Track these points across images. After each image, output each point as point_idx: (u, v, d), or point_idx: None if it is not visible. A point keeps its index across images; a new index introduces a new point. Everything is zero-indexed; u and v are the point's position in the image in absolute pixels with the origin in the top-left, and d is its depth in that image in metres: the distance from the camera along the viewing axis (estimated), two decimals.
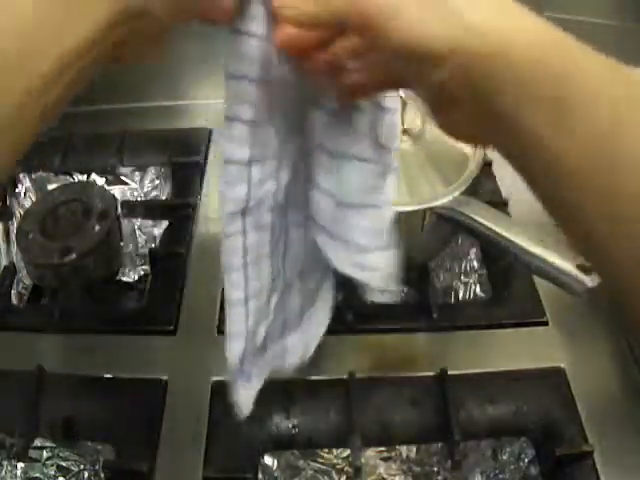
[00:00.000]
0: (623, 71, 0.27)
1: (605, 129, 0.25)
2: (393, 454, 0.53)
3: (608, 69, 0.26)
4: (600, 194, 0.26)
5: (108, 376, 0.53)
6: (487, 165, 0.68)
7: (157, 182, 0.75)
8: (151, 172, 0.75)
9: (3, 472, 0.51)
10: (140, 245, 0.70)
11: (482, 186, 0.64)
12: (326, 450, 0.52)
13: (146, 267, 0.66)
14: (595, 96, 0.25)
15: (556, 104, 0.25)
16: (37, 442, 0.51)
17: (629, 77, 0.27)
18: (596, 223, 0.26)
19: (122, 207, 0.67)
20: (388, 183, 0.39)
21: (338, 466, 0.52)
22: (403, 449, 0.52)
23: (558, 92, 0.25)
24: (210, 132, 0.78)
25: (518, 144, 0.27)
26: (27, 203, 0.71)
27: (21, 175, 0.74)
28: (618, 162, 0.25)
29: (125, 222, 0.67)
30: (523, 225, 0.50)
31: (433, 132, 0.57)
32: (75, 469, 0.52)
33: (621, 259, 0.26)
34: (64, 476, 0.51)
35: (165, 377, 0.53)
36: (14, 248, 0.64)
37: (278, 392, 0.52)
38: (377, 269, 0.40)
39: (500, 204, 0.64)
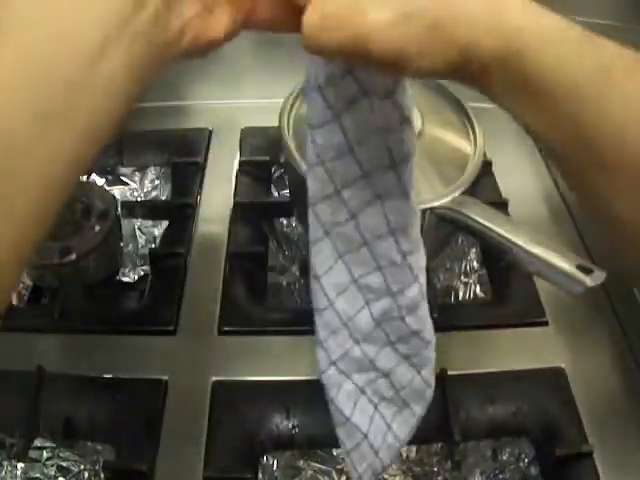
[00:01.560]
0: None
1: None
2: None
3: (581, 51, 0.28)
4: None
5: (108, 376, 0.53)
6: (487, 165, 0.68)
7: (157, 182, 0.75)
8: (151, 172, 0.75)
9: (3, 472, 0.51)
10: (140, 245, 0.70)
11: (482, 186, 0.64)
12: (326, 450, 0.52)
13: (146, 267, 0.66)
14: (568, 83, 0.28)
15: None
16: (37, 442, 0.51)
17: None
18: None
19: (122, 207, 0.67)
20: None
21: (338, 466, 0.52)
22: (403, 449, 0.52)
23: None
24: (210, 132, 0.78)
25: None
26: None
27: None
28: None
29: (125, 222, 0.67)
30: (523, 225, 0.50)
31: (433, 132, 0.57)
32: (75, 469, 0.52)
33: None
34: (64, 476, 0.51)
35: (165, 377, 0.53)
36: None
37: (278, 392, 0.53)
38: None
39: (500, 204, 0.64)
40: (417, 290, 0.39)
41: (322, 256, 0.37)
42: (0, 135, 0.23)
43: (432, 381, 0.43)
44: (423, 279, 0.39)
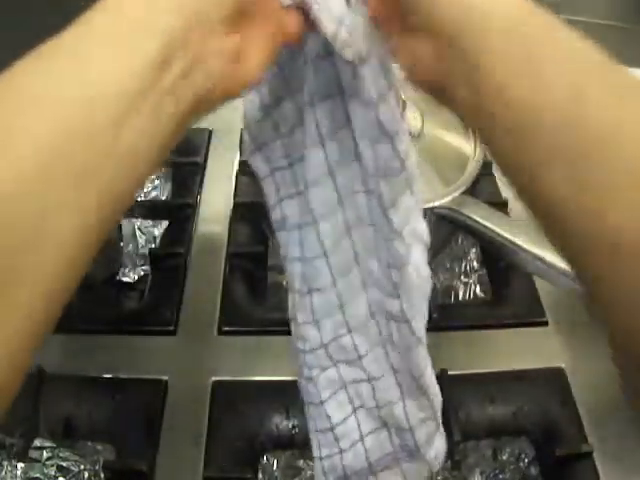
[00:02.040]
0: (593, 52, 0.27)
1: (567, 95, 0.25)
2: None
3: (579, 44, 0.27)
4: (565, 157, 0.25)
5: (108, 376, 0.53)
6: (487, 165, 0.68)
7: (157, 182, 0.75)
8: None
9: (3, 472, 0.51)
10: (140, 245, 0.70)
11: (482, 186, 0.64)
12: None
13: (146, 267, 0.66)
14: (561, 60, 0.26)
15: (524, 60, 0.26)
16: (37, 442, 0.51)
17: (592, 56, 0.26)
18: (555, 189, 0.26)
19: None
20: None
21: None
22: None
23: (527, 51, 0.26)
24: (210, 132, 0.78)
25: (478, 93, 0.27)
26: None
27: None
28: (582, 131, 0.25)
29: (125, 222, 0.67)
30: (523, 225, 0.50)
31: (433, 132, 0.57)
32: (75, 469, 0.52)
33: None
34: (64, 476, 0.51)
35: (165, 377, 0.53)
36: None
37: (278, 392, 0.53)
38: None
39: (500, 204, 0.64)
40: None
41: (333, 231, 0.35)
42: (12, 222, 0.21)
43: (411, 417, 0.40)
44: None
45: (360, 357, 0.39)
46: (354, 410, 0.40)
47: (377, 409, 0.40)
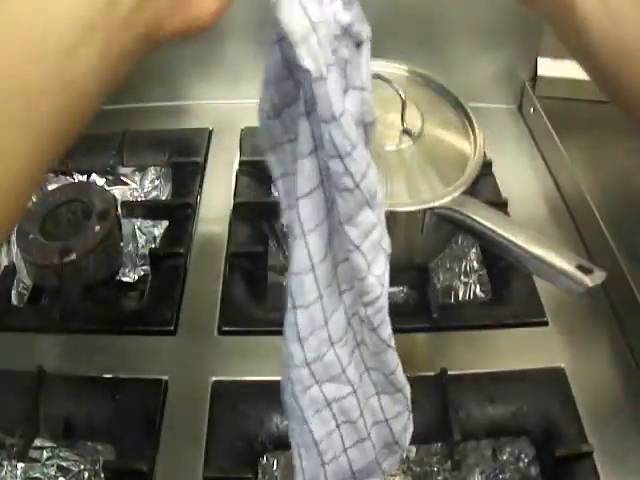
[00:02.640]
0: None
1: None
2: None
3: None
4: None
5: (108, 376, 0.53)
6: (487, 165, 0.68)
7: (157, 182, 0.75)
8: (151, 172, 0.75)
9: (3, 472, 0.51)
10: (140, 245, 0.70)
11: (482, 186, 0.64)
12: None
13: (146, 267, 0.66)
14: None
15: None
16: (37, 442, 0.51)
17: None
18: None
19: (122, 207, 0.67)
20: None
21: None
22: None
23: None
24: (210, 132, 0.78)
25: None
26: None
27: None
28: None
29: (125, 222, 0.67)
30: (523, 225, 0.50)
31: (433, 132, 0.57)
32: (75, 469, 0.52)
33: None
34: (64, 476, 0.51)
35: (165, 377, 0.53)
36: (14, 248, 0.64)
37: (278, 392, 0.52)
38: None
39: (500, 204, 0.64)
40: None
41: (320, 243, 0.34)
42: None
43: (389, 412, 0.41)
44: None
45: (344, 369, 0.38)
46: (338, 426, 0.40)
47: (361, 417, 0.40)
